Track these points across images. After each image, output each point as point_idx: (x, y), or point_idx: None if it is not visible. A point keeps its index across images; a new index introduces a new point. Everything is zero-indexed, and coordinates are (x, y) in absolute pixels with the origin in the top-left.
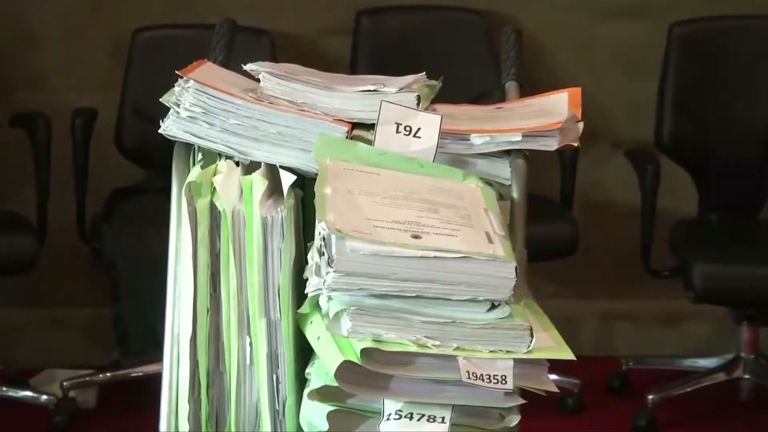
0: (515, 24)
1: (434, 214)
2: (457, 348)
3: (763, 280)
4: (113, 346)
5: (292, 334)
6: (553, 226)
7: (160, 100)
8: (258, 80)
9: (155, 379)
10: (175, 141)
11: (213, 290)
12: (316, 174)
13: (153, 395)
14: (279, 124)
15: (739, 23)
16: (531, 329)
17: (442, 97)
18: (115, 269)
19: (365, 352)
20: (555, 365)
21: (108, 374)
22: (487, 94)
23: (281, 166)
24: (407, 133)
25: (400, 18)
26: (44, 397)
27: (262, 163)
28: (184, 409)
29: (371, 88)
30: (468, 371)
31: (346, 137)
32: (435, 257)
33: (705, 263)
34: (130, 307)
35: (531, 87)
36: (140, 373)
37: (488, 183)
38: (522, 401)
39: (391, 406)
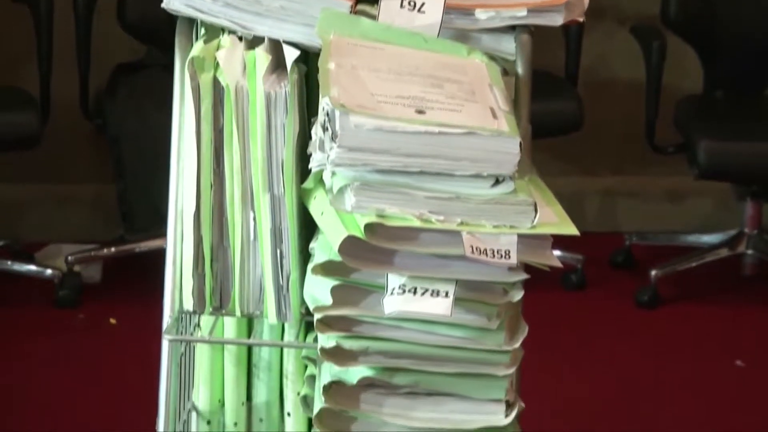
0: None
1: (438, 89)
2: (461, 223)
3: (767, 157)
4: (118, 221)
5: (296, 209)
6: (558, 102)
7: None
8: None
9: (159, 255)
10: (178, 16)
11: (216, 166)
12: (320, 49)
13: (157, 270)
14: None
15: None
16: (535, 204)
17: None
18: (118, 145)
19: (369, 227)
20: (558, 241)
21: (112, 249)
22: None
23: (285, 42)
24: (411, 8)
25: None
26: (49, 271)
27: (266, 38)
28: (188, 283)
29: None
30: (472, 246)
31: (350, 12)
32: (439, 132)
33: (710, 139)
34: (133, 183)
35: None
36: (145, 249)
37: (493, 58)
38: (525, 276)
39: (394, 280)
